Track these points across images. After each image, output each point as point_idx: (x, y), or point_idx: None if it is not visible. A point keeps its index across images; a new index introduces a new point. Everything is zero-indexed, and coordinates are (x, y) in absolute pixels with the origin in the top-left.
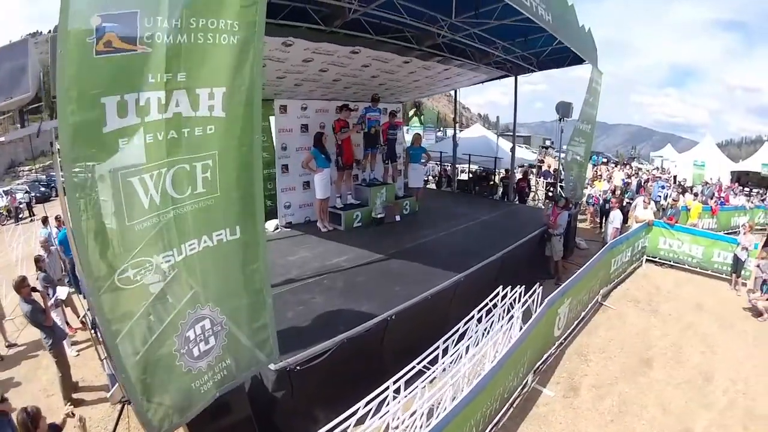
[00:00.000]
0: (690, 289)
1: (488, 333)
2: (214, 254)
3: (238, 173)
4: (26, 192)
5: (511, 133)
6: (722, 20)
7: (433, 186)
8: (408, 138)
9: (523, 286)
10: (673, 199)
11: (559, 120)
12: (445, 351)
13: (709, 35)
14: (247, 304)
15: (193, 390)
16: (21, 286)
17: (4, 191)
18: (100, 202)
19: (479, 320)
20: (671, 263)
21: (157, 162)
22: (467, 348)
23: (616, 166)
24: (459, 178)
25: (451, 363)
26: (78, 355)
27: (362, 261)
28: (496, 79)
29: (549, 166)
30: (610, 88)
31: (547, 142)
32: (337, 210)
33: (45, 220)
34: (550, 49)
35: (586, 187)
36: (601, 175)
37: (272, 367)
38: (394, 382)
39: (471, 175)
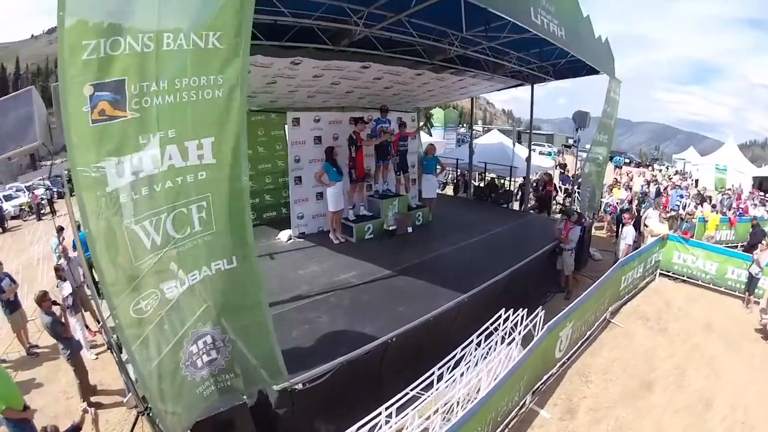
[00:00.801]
0: (701, 306)
1: (486, 358)
2: (214, 282)
3: (230, 209)
4: (47, 188)
5: (534, 132)
6: (743, 17)
7: (450, 192)
8: (427, 140)
9: (526, 309)
10: (688, 213)
11: (576, 130)
12: (440, 377)
13: (731, 32)
14: (251, 326)
15: (197, 394)
16: (42, 300)
17: (26, 187)
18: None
19: (478, 344)
20: (684, 278)
21: (156, 209)
22: (462, 374)
23: (638, 167)
24: (476, 184)
25: (446, 388)
26: (97, 358)
27: (369, 277)
28: (512, 87)
29: (568, 171)
30: (633, 85)
31: (570, 141)
32: (349, 222)
33: (60, 230)
34: (566, 60)
35: (603, 196)
36: (619, 182)
37: (275, 387)
38: (387, 408)
39: (488, 182)
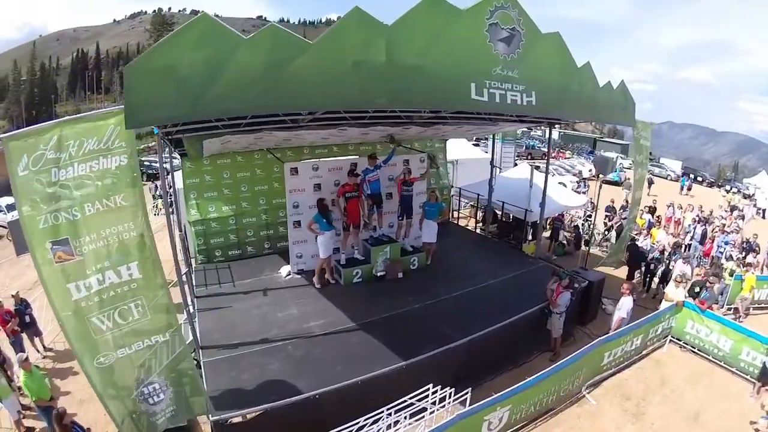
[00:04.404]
0: (701, 389)
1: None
2: (155, 349)
3: (157, 306)
4: None
5: (613, 140)
6: None
7: (472, 222)
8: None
9: (453, 388)
10: (709, 282)
11: (596, 177)
12: None
13: None
14: (183, 376)
15: (151, 422)
16: None
17: None
18: (81, 306)
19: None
20: (695, 350)
21: (107, 308)
22: None
23: (711, 186)
24: (501, 218)
25: None
26: None
27: (332, 328)
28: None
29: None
30: (716, 93)
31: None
32: (339, 266)
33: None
34: None
35: (637, 239)
36: (660, 221)
37: (212, 417)
38: None
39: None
